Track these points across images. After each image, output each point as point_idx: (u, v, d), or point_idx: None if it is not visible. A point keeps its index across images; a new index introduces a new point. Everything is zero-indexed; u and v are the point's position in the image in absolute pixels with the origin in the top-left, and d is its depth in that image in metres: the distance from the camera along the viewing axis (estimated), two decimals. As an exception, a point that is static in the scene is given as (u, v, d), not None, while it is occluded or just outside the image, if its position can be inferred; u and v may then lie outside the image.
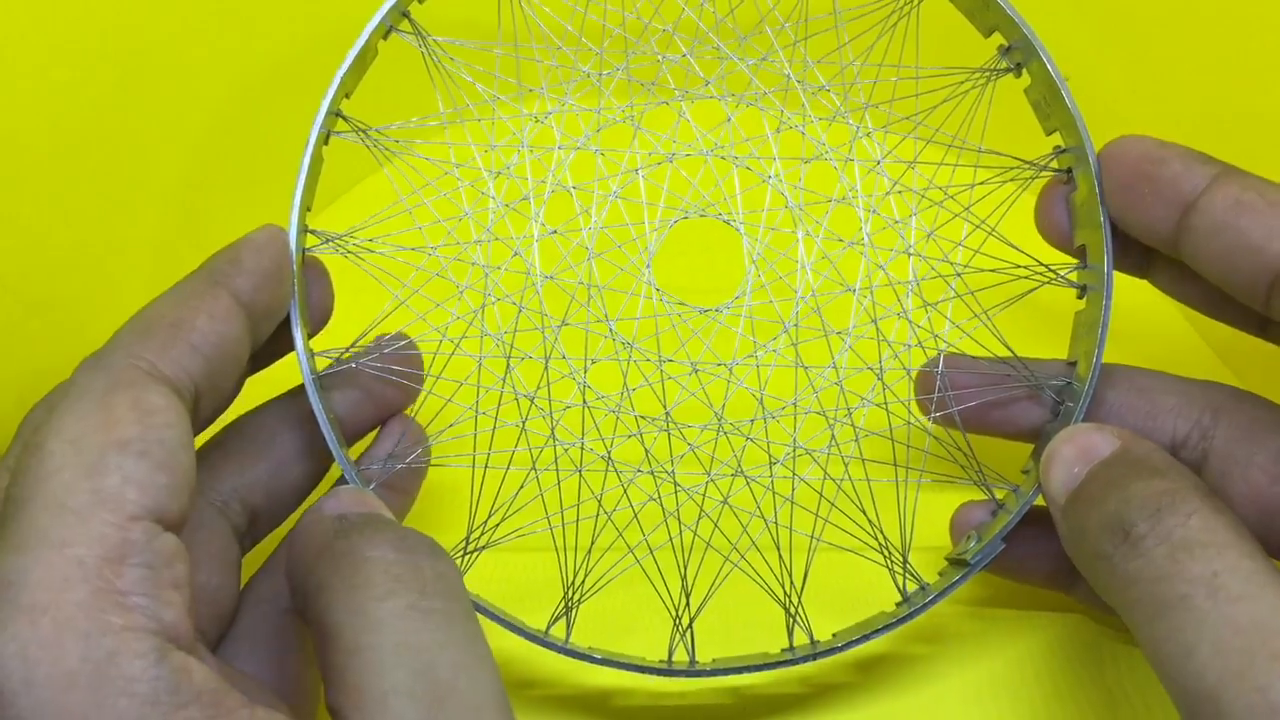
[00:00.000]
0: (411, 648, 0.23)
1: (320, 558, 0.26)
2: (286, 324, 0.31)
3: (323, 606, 0.25)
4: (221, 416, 0.30)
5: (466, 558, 0.33)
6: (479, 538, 0.33)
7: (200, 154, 0.42)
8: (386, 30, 0.33)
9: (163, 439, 0.25)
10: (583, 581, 0.33)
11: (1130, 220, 0.31)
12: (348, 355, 0.33)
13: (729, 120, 0.34)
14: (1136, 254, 0.33)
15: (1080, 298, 0.34)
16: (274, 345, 0.31)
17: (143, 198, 0.40)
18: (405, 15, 0.33)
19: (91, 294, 0.37)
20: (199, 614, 0.28)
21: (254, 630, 0.31)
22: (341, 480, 0.32)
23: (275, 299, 0.30)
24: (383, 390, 0.33)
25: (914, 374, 0.34)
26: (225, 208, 0.41)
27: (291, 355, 0.32)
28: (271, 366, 0.32)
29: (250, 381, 0.31)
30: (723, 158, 0.34)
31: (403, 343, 0.33)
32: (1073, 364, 0.34)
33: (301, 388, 0.33)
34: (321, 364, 0.32)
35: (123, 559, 0.23)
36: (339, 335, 0.33)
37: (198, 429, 0.29)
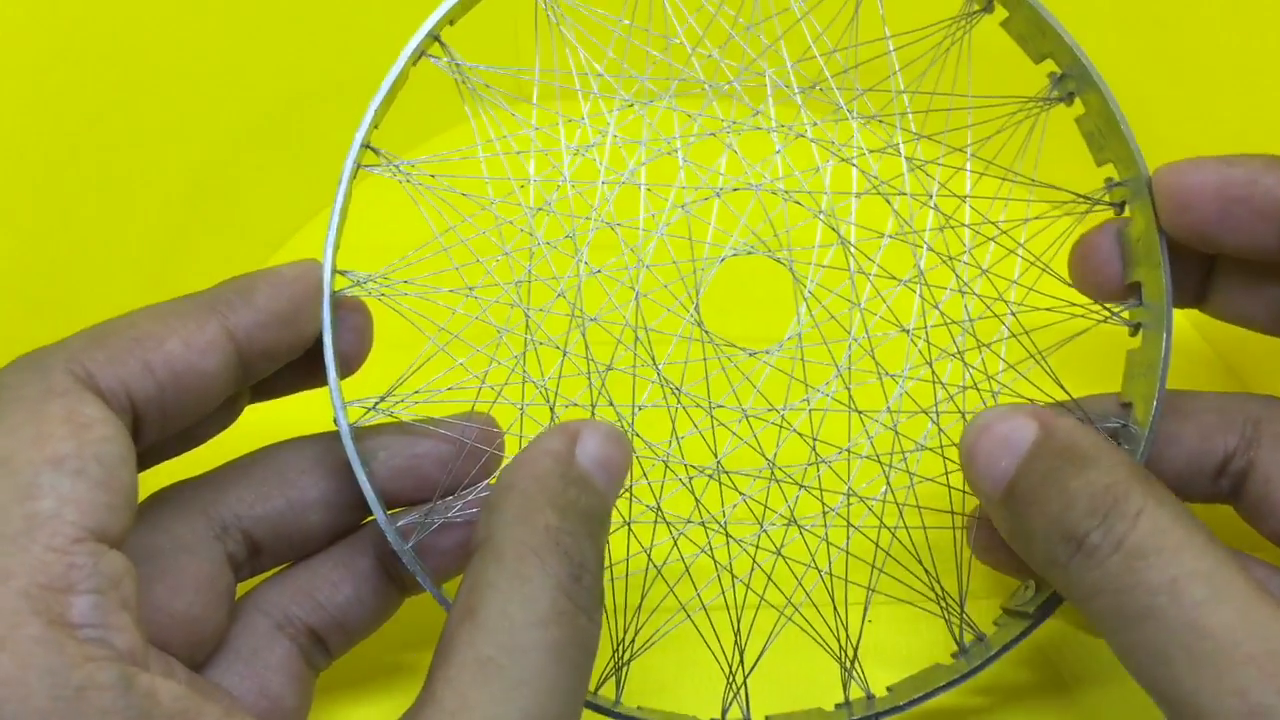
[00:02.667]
0: (534, 689, 0.23)
1: (521, 523, 0.25)
2: (318, 358, 0.29)
3: (486, 579, 0.24)
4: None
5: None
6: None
7: (207, 161, 0.40)
8: (417, 56, 0.31)
9: (99, 455, 0.24)
10: (632, 639, 0.31)
11: (1232, 245, 0.31)
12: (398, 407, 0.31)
13: (778, 152, 0.33)
14: (1194, 285, 0.33)
15: (1133, 335, 0.33)
16: (299, 378, 0.30)
17: (144, 202, 0.38)
18: (437, 39, 0.31)
19: (91, 295, 0.35)
20: (174, 641, 0.27)
21: (240, 644, 0.29)
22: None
23: (279, 342, 0.28)
24: (432, 470, 0.31)
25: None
26: (228, 211, 0.39)
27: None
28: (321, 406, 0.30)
29: (287, 410, 0.30)
30: (772, 192, 0.33)
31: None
32: (1127, 405, 0.33)
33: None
34: (355, 414, 0.30)
35: (70, 587, 0.22)
36: (371, 381, 0.31)
37: (155, 454, 0.28)
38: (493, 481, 0.31)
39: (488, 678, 0.23)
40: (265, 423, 0.31)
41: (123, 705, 0.22)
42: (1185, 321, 0.42)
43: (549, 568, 0.25)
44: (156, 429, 0.27)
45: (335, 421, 0.30)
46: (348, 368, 0.30)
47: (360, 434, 0.30)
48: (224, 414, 0.30)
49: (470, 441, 0.31)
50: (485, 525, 0.26)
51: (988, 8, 0.33)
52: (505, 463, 0.31)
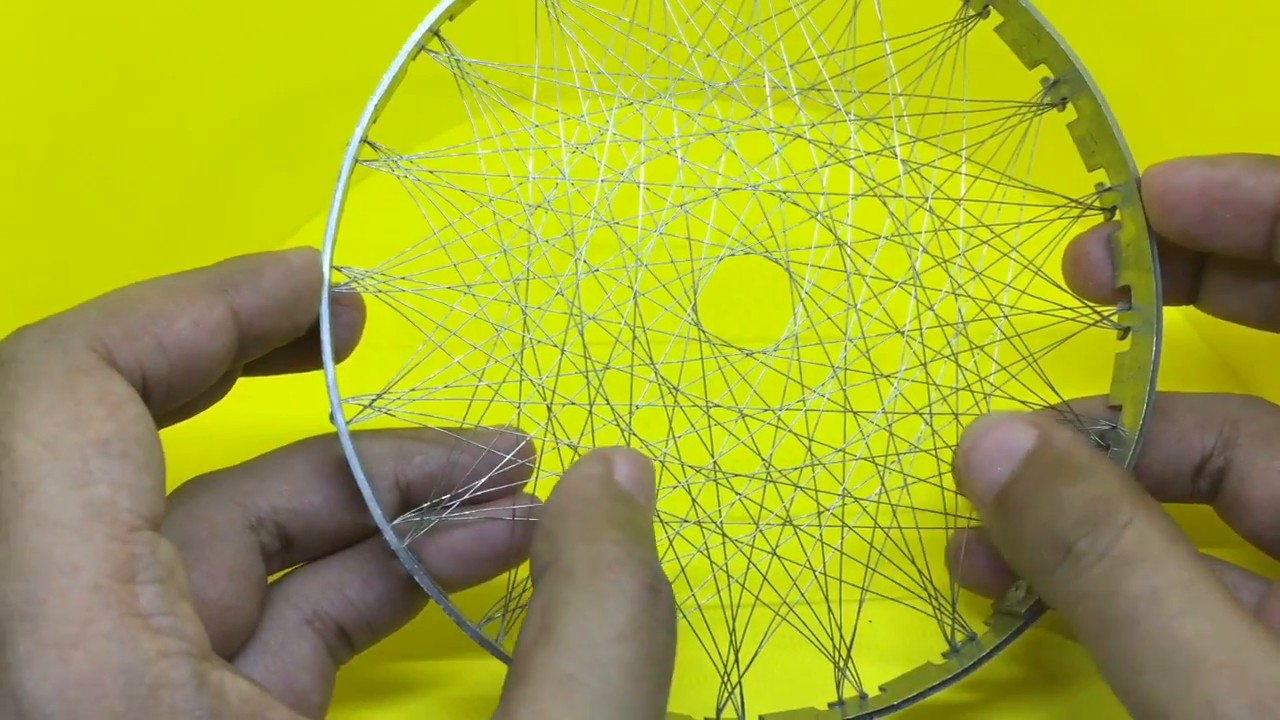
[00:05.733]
0: (616, 705, 0.23)
1: (587, 542, 0.25)
2: (307, 345, 0.29)
3: (561, 598, 0.24)
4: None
5: (508, 616, 0.31)
6: (521, 595, 0.31)
7: (207, 160, 0.40)
8: (417, 51, 0.31)
9: (138, 437, 0.23)
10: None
11: (1218, 246, 0.31)
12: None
13: (776, 153, 0.33)
14: (1186, 282, 0.33)
15: (1122, 339, 0.33)
16: (290, 361, 0.30)
17: (144, 202, 0.38)
18: (436, 34, 0.31)
19: (90, 294, 0.35)
20: (208, 631, 0.27)
21: (268, 637, 0.29)
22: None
23: (277, 328, 0.28)
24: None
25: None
26: (229, 215, 0.39)
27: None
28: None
29: (292, 403, 0.29)
30: (770, 192, 0.33)
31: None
32: (1116, 408, 0.33)
33: (384, 433, 0.31)
34: (350, 410, 0.30)
35: (133, 577, 0.22)
36: (369, 378, 0.31)
37: None
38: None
39: (569, 694, 0.23)
40: (270, 414, 0.31)
41: (194, 705, 0.21)
42: (1182, 319, 0.42)
43: (624, 584, 0.24)
44: (157, 407, 0.26)
45: (331, 418, 0.29)
46: (335, 359, 0.30)
47: (402, 433, 0.30)
48: (214, 392, 0.29)
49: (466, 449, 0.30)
50: (548, 549, 0.25)
51: (983, 13, 0.33)
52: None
